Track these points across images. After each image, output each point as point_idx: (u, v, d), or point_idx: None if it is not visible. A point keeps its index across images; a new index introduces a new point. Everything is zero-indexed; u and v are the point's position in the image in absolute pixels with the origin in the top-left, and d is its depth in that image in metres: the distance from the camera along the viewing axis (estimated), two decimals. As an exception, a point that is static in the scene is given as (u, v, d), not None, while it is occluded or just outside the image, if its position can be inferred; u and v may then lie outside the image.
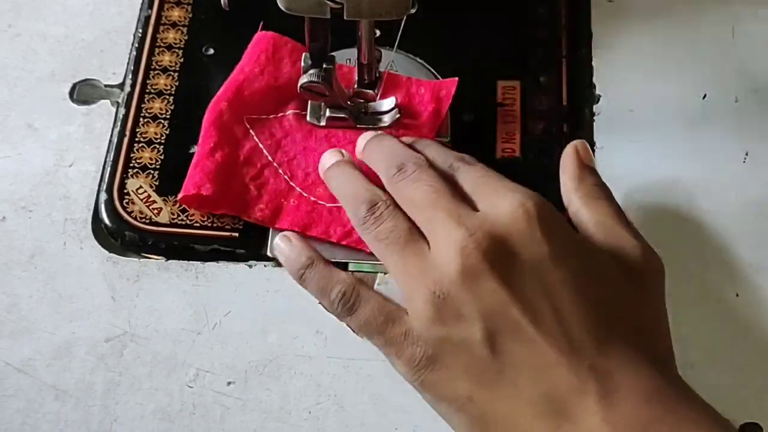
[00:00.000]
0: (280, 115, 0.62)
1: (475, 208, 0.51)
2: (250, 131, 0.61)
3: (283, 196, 0.60)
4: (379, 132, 0.60)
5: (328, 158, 0.59)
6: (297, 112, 0.63)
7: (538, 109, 0.65)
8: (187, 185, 0.59)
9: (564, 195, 0.55)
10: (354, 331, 0.54)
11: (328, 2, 0.52)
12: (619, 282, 0.49)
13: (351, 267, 0.58)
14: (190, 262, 0.59)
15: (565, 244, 0.49)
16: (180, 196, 0.59)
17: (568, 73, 0.66)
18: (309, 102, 0.63)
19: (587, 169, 0.55)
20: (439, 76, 0.66)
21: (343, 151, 0.60)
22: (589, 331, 0.46)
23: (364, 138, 0.60)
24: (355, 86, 0.61)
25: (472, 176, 0.53)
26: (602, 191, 0.54)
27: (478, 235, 0.48)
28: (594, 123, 0.65)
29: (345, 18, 0.53)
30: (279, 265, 0.59)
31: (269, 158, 0.60)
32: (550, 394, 0.45)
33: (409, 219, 0.52)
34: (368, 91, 0.61)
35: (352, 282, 0.54)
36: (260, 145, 0.61)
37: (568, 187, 0.55)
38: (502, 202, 0.50)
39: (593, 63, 0.67)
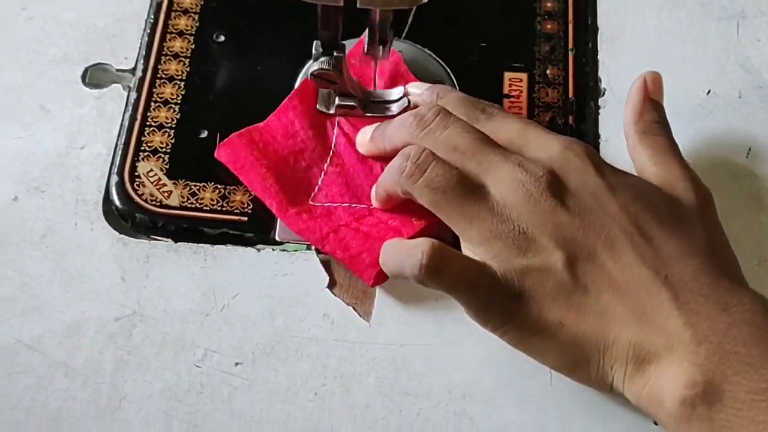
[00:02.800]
0: (323, 175, 0.62)
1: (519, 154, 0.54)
2: (325, 205, 0.60)
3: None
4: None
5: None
6: (337, 161, 0.62)
7: (544, 101, 0.66)
8: (360, 270, 0.57)
9: (624, 127, 0.58)
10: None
11: (342, -11, 0.53)
12: (674, 207, 0.53)
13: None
14: (199, 244, 0.60)
15: (616, 176, 0.53)
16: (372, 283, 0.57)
17: (575, 67, 0.67)
18: (319, 91, 0.63)
19: (651, 104, 0.58)
20: (447, 68, 0.66)
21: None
22: (658, 247, 0.50)
23: (364, 132, 0.61)
24: (365, 49, 0.60)
25: (510, 127, 0.56)
26: (660, 128, 0.57)
27: (540, 173, 0.52)
28: (599, 116, 0.66)
29: (358, 6, 0.53)
30: (286, 249, 0.60)
31: (363, 206, 0.60)
32: (632, 306, 0.49)
33: (451, 164, 0.53)
34: (379, 47, 0.60)
35: (429, 243, 0.51)
36: (345, 205, 0.60)
37: (628, 119, 0.58)
38: (550, 145, 0.54)
39: (599, 57, 0.68)
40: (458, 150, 0.54)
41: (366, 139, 0.61)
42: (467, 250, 0.53)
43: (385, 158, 0.59)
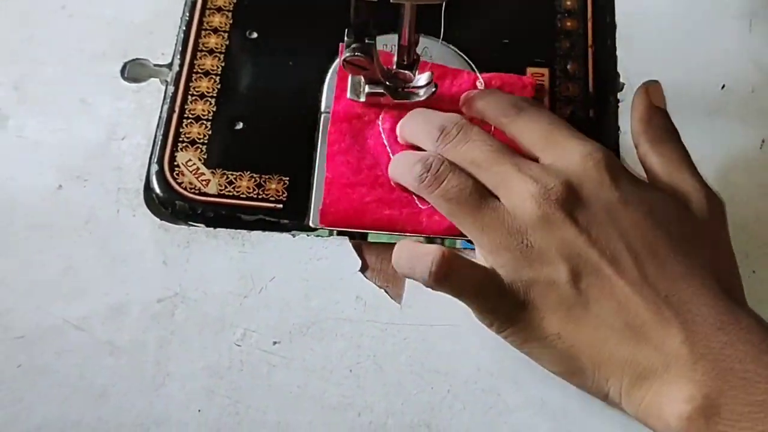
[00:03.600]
0: None
1: (536, 159, 0.55)
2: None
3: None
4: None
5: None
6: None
7: (565, 95, 0.68)
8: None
9: (633, 136, 0.59)
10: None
11: (377, -16, 0.55)
12: (684, 222, 0.54)
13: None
14: (237, 230, 0.63)
15: (632, 189, 0.54)
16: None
17: (594, 62, 0.70)
18: (350, 78, 0.66)
19: (656, 111, 0.59)
20: (471, 63, 0.69)
21: None
22: (662, 266, 0.51)
23: (400, 122, 0.64)
24: (394, 67, 0.65)
25: (537, 126, 0.57)
26: (669, 134, 0.58)
27: (552, 185, 0.53)
28: (618, 109, 0.69)
29: (391, 0, 0.56)
30: (320, 235, 0.63)
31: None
32: (631, 322, 0.50)
33: (469, 175, 0.56)
34: (406, 71, 0.64)
35: (439, 252, 0.54)
36: None
37: (636, 129, 0.59)
38: (570, 152, 0.55)
39: (618, 53, 0.71)
40: (475, 163, 0.56)
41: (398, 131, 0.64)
42: (480, 254, 0.55)
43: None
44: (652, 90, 0.59)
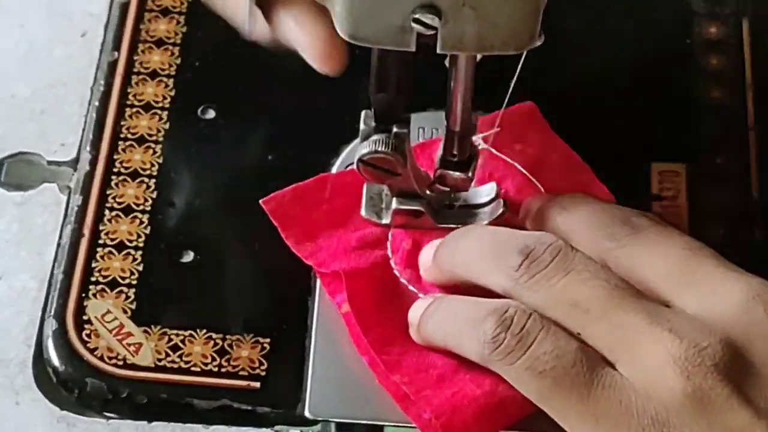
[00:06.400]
0: None
1: (666, 303, 0.58)
2: None
3: None
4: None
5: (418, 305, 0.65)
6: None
7: (714, 204, 0.71)
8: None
9: None
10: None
11: (416, 25, 0.54)
12: None
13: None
14: (187, 425, 0.64)
15: None
16: None
17: (758, 151, 0.73)
18: (365, 187, 0.68)
19: None
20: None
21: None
22: None
23: (431, 246, 0.66)
24: (438, 168, 0.65)
25: (667, 252, 0.60)
26: None
27: (706, 343, 0.55)
28: (801, 222, 0.71)
29: (438, 51, 0.55)
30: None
31: None
32: None
33: (571, 333, 0.58)
34: (458, 173, 0.65)
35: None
36: None
37: None
38: (725, 293, 0.57)
39: (796, 137, 0.74)
40: (580, 307, 0.58)
41: (429, 259, 0.66)
42: None
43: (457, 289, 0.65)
44: None
